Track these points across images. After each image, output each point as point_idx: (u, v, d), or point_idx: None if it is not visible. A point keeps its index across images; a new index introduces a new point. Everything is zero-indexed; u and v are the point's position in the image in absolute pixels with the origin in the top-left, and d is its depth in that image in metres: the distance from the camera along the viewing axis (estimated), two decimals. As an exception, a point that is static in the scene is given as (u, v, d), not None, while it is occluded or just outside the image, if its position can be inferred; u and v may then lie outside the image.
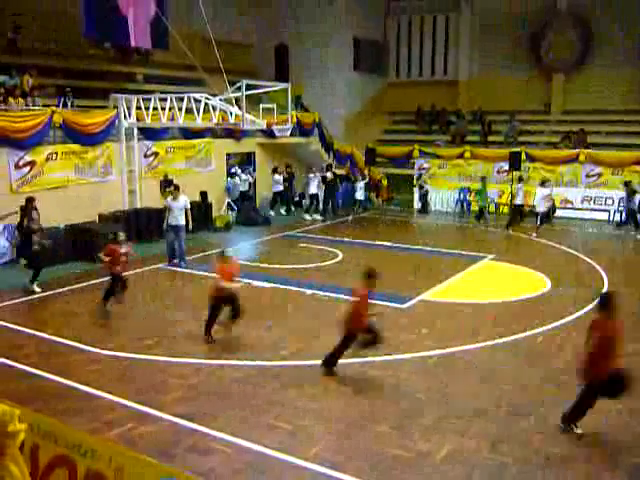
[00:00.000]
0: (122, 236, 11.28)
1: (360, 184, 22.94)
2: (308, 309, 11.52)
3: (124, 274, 11.29)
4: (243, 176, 21.43)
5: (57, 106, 16.64)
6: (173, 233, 14.36)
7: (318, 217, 21.64)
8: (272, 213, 21.76)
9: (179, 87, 20.15)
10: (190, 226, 14.57)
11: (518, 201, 19.72)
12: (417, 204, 24.22)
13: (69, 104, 17.33)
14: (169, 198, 14.71)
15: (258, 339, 9.74)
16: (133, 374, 8.53)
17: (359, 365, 8.83)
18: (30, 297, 12.03)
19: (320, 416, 7.33)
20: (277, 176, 22.04)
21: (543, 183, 19.18)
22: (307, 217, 21.61)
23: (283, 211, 22.43)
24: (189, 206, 14.57)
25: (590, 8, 26.20)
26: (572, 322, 10.67)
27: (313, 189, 21.98)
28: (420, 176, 22.15)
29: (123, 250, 11.18)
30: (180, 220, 14.32)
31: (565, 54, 26.85)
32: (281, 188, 22.20)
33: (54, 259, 13.90)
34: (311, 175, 22.03)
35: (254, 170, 22.25)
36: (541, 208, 18.61)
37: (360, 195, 22.96)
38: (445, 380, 8.35)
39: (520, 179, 20.37)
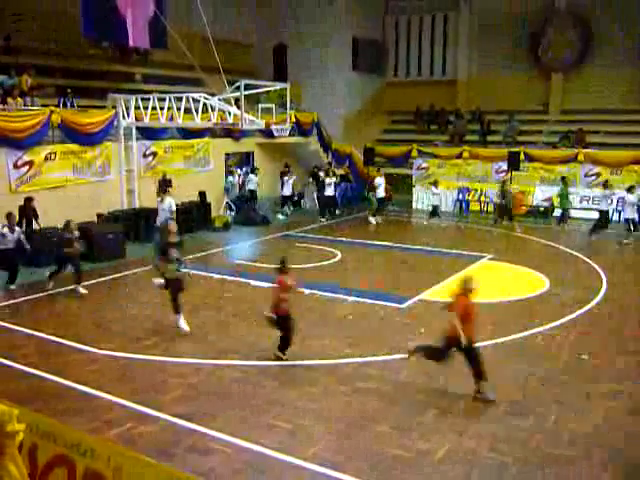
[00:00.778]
0: (287, 262, 8.77)
1: (329, 180, 21.02)
2: (307, 309, 11.50)
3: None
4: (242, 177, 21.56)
5: (58, 106, 16.63)
6: (159, 233, 14.50)
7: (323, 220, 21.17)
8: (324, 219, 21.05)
9: (178, 87, 20.14)
10: None
11: (604, 206, 18.29)
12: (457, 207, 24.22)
13: (69, 104, 17.30)
14: (158, 199, 14.93)
15: (258, 339, 9.72)
16: (132, 374, 8.51)
17: (359, 365, 8.82)
18: (29, 297, 12.00)
19: (320, 416, 7.32)
20: (328, 179, 21.39)
21: (630, 189, 17.95)
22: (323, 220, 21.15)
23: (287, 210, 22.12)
24: (174, 209, 14.72)
25: (590, 8, 26.20)
26: (572, 322, 10.67)
27: (330, 191, 21.31)
28: (504, 182, 20.19)
29: (291, 282, 8.67)
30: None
31: (564, 54, 26.84)
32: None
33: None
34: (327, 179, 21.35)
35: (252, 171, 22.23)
36: (628, 214, 18.05)
37: (329, 192, 21.03)
38: (445, 380, 8.33)
39: (605, 184, 18.75)
